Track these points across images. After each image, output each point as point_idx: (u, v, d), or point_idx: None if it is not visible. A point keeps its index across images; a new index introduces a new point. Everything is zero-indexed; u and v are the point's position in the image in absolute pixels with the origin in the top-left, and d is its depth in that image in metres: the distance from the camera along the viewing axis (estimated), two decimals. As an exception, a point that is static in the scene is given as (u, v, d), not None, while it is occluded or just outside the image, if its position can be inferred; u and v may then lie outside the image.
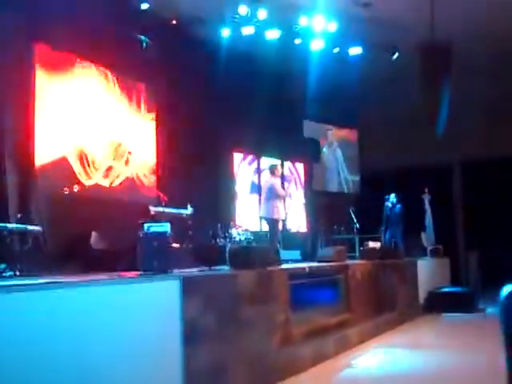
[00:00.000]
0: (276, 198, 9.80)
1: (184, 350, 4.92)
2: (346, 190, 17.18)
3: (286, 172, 15.24)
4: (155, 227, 6.26)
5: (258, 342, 6.13)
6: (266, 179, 10.15)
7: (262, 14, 11.76)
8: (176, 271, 5.96)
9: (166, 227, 6.30)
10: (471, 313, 11.55)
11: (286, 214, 10.04)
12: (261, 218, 10.50)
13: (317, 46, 12.84)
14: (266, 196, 9.95)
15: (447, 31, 11.70)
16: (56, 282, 4.59)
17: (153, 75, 11.43)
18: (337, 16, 12.13)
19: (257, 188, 13.81)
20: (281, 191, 9.91)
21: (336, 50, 13.18)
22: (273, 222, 9.84)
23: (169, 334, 4.88)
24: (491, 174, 15.96)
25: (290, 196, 10.55)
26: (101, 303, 4.31)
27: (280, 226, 10.14)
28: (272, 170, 10.30)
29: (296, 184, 15.71)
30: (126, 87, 11.22)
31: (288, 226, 14.18)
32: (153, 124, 11.80)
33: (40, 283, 4.57)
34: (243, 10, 11.61)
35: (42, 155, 9.28)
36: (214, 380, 5.29)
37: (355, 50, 13.32)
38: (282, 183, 10.63)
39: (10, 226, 7.32)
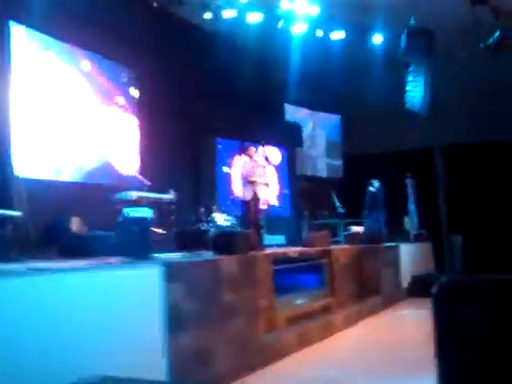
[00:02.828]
0: (243, 178, 9.37)
1: (167, 335, 4.86)
2: (329, 175, 17.17)
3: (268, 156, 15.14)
4: (135, 212, 6.15)
5: (241, 327, 6.09)
6: (240, 161, 9.74)
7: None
8: (158, 257, 5.86)
9: (147, 212, 6.20)
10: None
11: (264, 195, 9.52)
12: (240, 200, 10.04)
13: (299, 29, 12.72)
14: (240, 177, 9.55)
15: (430, 15, 11.65)
16: (36, 269, 4.49)
17: (133, 58, 11.27)
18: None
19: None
20: (245, 171, 9.41)
21: (319, 33, 13.05)
22: (244, 203, 9.55)
23: (152, 320, 4.81)
24: (473, 158, 16.06)
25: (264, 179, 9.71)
26: (82, 290, 4.22)
27: (253, 207, 9.36)
28: (245, 151, 9.84)
29: (279, 168, 15.62)
30: (107, 70, 11.03)
31: (270, 211, 14.10)
32: (134, 109, 11.64)
33: (19, 270, 4.47)
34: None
35: (21, 139, 9.12)
36: (198, 365, 5.25)
37: (338, 34, 13.22)
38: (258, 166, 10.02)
39: (-12, 211, 7.17)
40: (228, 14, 11.96)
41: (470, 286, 1.29)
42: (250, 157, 9.48)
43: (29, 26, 9.42)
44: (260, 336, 6.45)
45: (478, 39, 11.16)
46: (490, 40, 10.94)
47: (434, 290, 1.31)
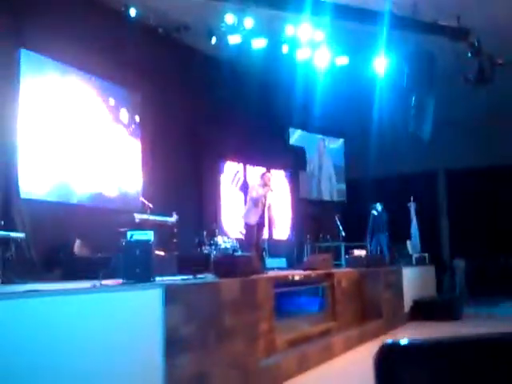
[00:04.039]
0: (250, 201, 9.43)
1: (166, 358, 4.89)
2: (332, 198, 17.22)
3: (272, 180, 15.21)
4: (138, 235, 6.22)
5: (241, 350, 6.10)
6: (252, 185, 9.85)
7: (249, 22, 11.77)
8: (159, 279, 5.92)
9: (149, 235, 6.26)
10: (457, 320, 11.56)
11: (269, 220, 9.62)
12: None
13: (303, 54, 12.87)
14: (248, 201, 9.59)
15: (434, 41, 11.77)
16: (37, 291, 4.56)
17: (138, 83, 11.43)
18: (323, 25, 12.15)
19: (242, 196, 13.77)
20: (252, 194, 9.48)
21: (322, 59, 13.18)
22: (247, 227, 9.60)
23: (151, 342, 4.84)
24: (476, 182, 16.11)
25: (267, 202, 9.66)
26: (82, 312, 4.28)
27: (255, 231, 9.44)
28: (261, 176, 9.88)
29: (282, 192, 15.69)
30: (111, 94, 11.19)
31: (274, 234, 14.16)
32: (138, 132, 11.77)
33: (21, 292, 4.53)
34: (230, 18, 11.61)
35: (26, 161, 9.24)
36: (197, 389, 5.26)
37: (341, 60, 13.36)
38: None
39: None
40: (233, 39, 12.11)
41: (411, 350, 1.30)
42: (265, 184, 9.45)
43: (38, 51, 9.61)
44: (260, 360, 6.46)
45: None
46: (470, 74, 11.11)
47: (375, 353, 1.32)
